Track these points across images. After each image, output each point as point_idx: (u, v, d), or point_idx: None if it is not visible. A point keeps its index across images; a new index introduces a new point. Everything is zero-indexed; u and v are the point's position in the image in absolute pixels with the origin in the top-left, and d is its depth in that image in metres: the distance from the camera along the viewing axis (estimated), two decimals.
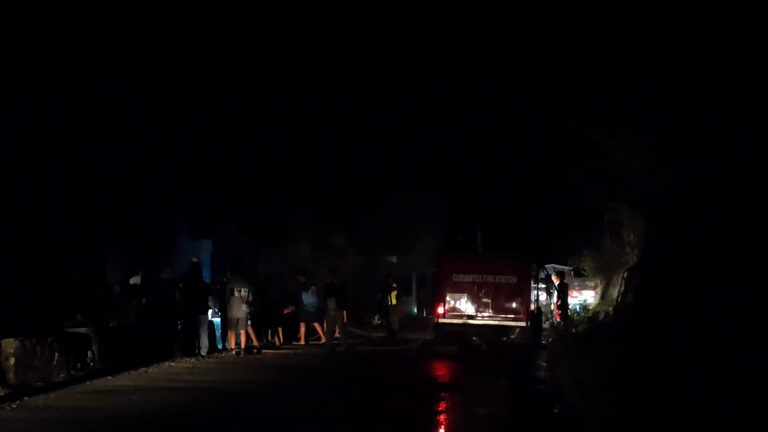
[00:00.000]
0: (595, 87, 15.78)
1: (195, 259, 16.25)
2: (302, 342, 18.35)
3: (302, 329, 18.50)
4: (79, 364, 12.09)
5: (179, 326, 14.83)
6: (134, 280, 14.89)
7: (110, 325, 13.98)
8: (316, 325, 18.57)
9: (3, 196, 14.44)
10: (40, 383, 10.74)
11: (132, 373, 12.47)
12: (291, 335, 18.49)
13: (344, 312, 17.27)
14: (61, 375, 11.43)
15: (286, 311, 18.24)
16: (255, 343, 16.05)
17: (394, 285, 21.70)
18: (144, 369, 12.89)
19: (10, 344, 10.79)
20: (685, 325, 9.33)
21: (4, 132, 13.76)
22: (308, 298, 18.33)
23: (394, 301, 21.41)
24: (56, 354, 11.54)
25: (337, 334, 17.43)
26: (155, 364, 13.41)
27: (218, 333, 16.47)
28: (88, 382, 11.23)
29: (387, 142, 25.54)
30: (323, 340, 17.97)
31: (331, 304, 17.15)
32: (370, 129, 25.62)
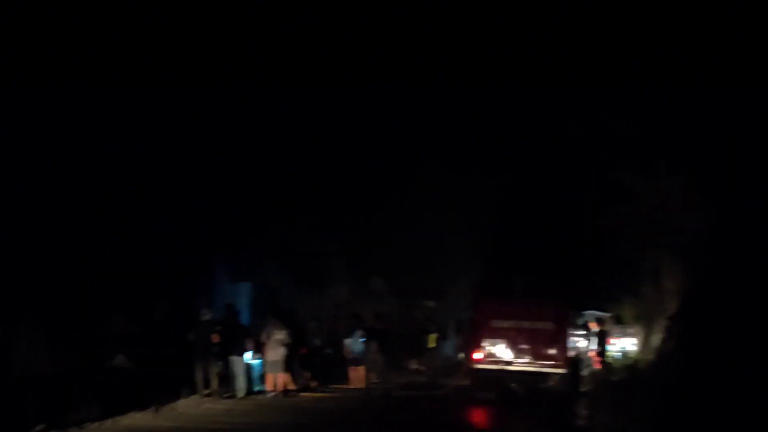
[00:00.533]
0: (632, 132, 15.84)
1: (230, 303, 16.53)
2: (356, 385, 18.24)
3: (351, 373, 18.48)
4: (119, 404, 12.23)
5: (217, 368, 14.94)
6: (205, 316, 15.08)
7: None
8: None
9: (52, 232, 14.80)
10: (82, 422, 10.90)
11: (171, 413, 12.60)
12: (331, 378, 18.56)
13: (384, 357, 17.25)
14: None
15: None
16: (291, 386, 16.07)
17: (433, 327, 21.49)
18: (183, 410, 13.02)
19: None
20: (727, 376, 9.23)
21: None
22: (356, 343, 18.38)
23: (432, 344, 21.07)
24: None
25: (375, 379, 17.38)
26: (194, 406, 13.54)
27: (255, 374, 16.56)
28: (128, 422, 11.37)
29: (425, 186, 25.65)
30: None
31: (373, 347, 17.16)
32: (408, 173, 25.81)
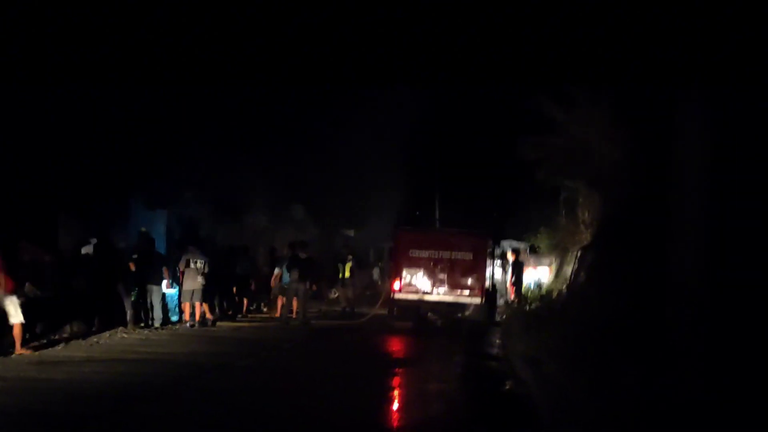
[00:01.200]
0: (552, 61, 15.82)
1: (143, 229, 16.14)
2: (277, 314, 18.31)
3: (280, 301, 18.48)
4: (27, 335, 11.88)
5: (132, 296, 14.66)
6: (86, 249, 14.64)
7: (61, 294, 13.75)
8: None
9: None
10: None
11: (83, 343, 12.34)
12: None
13: (306, 285, 17.18)
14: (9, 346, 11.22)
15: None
16: (208, 315, 15.93)
17: (349, 257, 21.39)
18: (95, 340, 12.76)
19: None
20: (632, 303, 9.51)
21: None
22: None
23: (347, 274, 21.04)
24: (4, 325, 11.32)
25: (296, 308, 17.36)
26: (107, 336, 13.29)
27: (172, 305, 16.34)
28: (37, 353, 11.08)
29: (345, 114, 25.36)
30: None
31: (294, 275, 17.12)
32: (328, 99, 25.43)
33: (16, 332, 11.07)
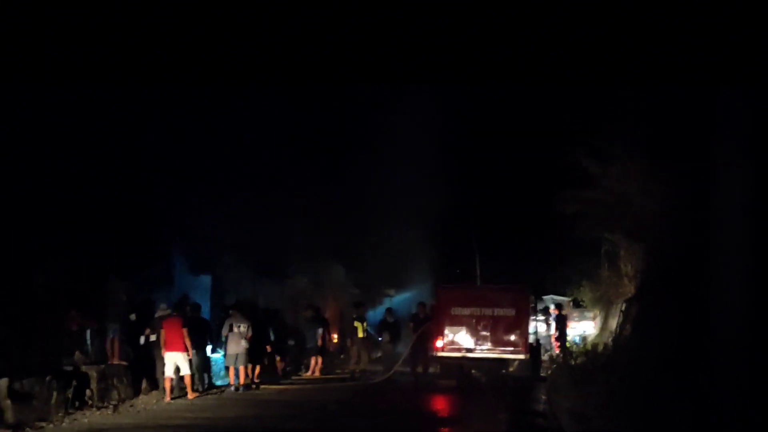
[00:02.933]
0: (587, 117, 15.96)
1: (185, 295, 16.48)
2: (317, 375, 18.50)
3: (313, 362, 18.96)
4: (77, 403, 12.06)
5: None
6: (132, 317, 14.89)
7: (109, 362, 13.95)
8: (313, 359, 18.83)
9: (2, 226, 14.47)
10: (38, 422, 10.72)
11: (130, 410, 12.47)
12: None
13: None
14: (60, 414, 11.40)
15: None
16: (245, 380, 15.93)
17: (354, 315, 20.37)
18: (143, 406, 12.88)
19: (7, 383, 10.79)
20: (678, 356, 9.38)
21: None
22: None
23: (360, 334, 19.80)
24: (55, 392, 11.52)
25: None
26: (154, 401, 13.40)
27: (216, 369, 16.45)
28: (86, 421, 11.22)
29: (384, 174, 25.66)
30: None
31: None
32: (368, 159, 25.78)
33: (187, 381, 14.08)
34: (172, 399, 13.72)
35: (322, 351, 19.30)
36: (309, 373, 18.91)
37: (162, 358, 14.32)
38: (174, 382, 14.33)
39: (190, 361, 14.05)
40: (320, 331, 18.87)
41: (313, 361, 18.93)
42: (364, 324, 19.76)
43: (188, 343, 14.13)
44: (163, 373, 14.34)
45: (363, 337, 19.68)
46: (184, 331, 14.17)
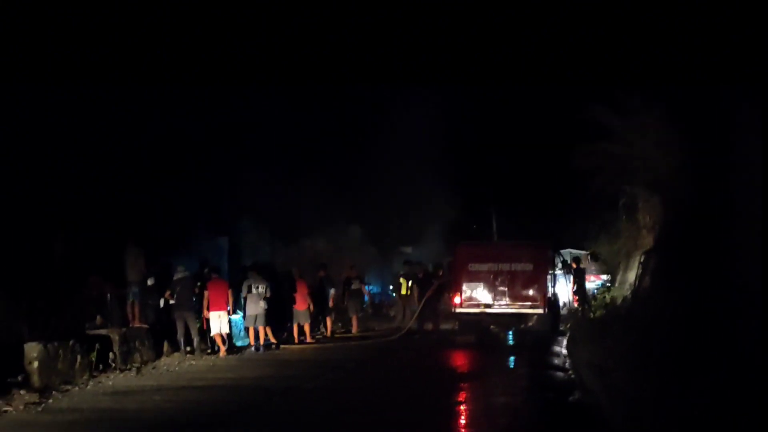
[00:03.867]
0: (607, 67, 15.71)
1: (204, 258, 16.63)
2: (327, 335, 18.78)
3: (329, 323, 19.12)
4: (101, 366, 12.23)
5: (198, 323, 14.92)
6: (151, 281, 15.00)
7: (130, 325, 14.11)
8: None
9: (24, 200, 14.59)
10: (63, 386, 10.89)
11: (153, 372, 12.62)
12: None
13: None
14: (84, 377, 11.56)
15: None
16: (272, 339, 16.11)
17: (401, 273, 20.58)
18: (165, 368, 13.03)
19: (33, 348, 10.97)
20: (701, 309, 9.33)
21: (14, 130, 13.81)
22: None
23: (404, 291, 20.15)
24: (78, 356, 11.68)
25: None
26: (176, 363, 13.56)
27: (237, 330, 16.59)
28: (110, 383, 11.37)
29: (399, 132, 25.50)
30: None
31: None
32: (384, 118, 25.63)
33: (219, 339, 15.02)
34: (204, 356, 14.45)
35: (331, 311, 19.48)
36: (327, 332, 19.03)
37: (181, 319, 14.50)
38: (197, 343, 14.52)
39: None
40: (332, 291, 19.01)
41: (328, 321, 19.09)
42: (410, 282, 19.77)
43: (231, 304, 15.18)
44: (183, 335, 14.53)
45: (406, 295, 19.76)
46: (229, 291, 15.14)
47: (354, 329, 19.56)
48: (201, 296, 15.05)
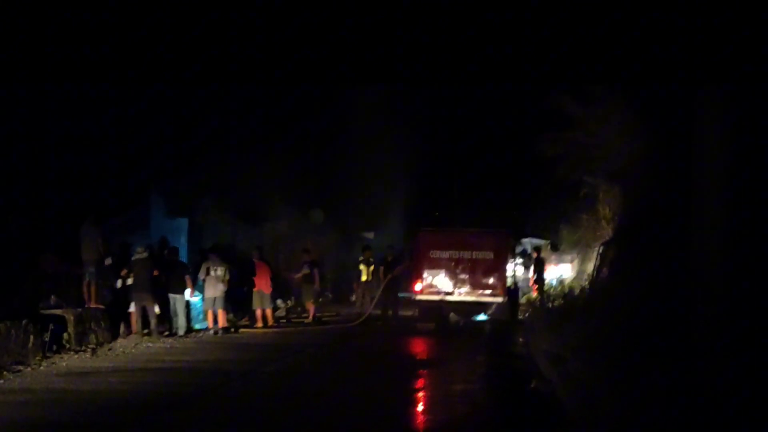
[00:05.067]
0: (568, 57, 15.77)
1: (164, 237, 16.45)
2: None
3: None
4: (55, 346, 12.02)
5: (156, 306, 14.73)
6: (108, 260, 14.76)
7: (86, 305, 13.87)
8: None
9: None
10: (15, 366, 10.67)
11: (109, 353, 12.45)
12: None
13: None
14: (37, 357, 11.35)
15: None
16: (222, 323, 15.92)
17: (360, 258, 20.12)
18: (121, 349, 12.86)
19: None
20: (657, 299, 9.44)
21: None
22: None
23: (364, 277, 19.75)
24: (31, 336, 11.45)
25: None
26: (132, 345, 13.38)
27: (195, 313, 16.43)
28: (64, 364, 11.18)
29: (362, 116, 25.40)
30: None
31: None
32: (346, 102, 25.47)
33: (268, 314, 17.33)
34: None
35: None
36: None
37: (140, 301, 14.33)
38: (154, 325, 14.36)
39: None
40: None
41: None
42: (371, 267, 19.54)
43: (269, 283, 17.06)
44: (140, 317, 14.36)
45: (367, 280, 19.55)
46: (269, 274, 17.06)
47: (309, 317, 19.02)
48: (159, 278, 14.82)
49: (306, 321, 18.79)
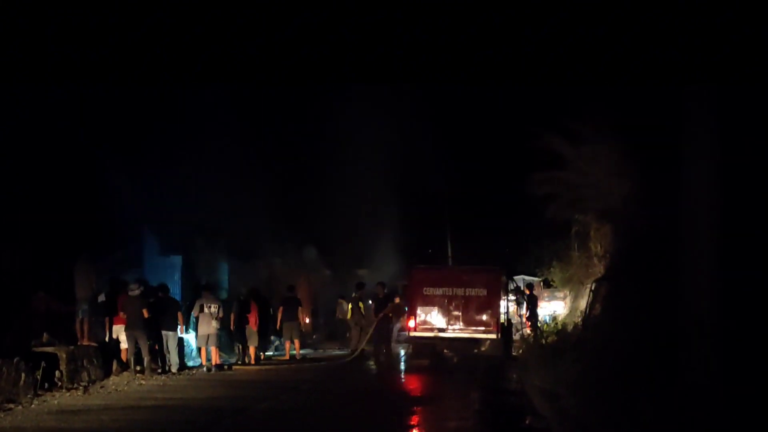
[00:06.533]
0: (559, 95, 16.03)
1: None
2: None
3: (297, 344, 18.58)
4: (47, 384, 11.95)
5: (149, 344, 14.70)
6: (102, 297, 14.76)
7: (79, 343, 13.83)
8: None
9: None
10: (6, 404, 10.61)
11: (101, 391, 12.38)
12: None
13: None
14: (29, 395, 11.28)
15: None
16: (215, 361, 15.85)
17: (354, 295, 20.07)
18: (113, 387, 12.79)
19: None
20: (650, 336, 9.49)
21: None
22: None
23: (349, 315, 19.90)
24: (23, 374, 11.39)
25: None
26: (125, 382, 13.32)
27: (189, 350, 16.39)
28: (56, 402, 11.11)
29: (356, 155, 25.61)
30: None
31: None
32: (342, 140, 25.69)
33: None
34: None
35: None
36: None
37: (133, 338, 14.28)
38: (147, 363, 14.31)
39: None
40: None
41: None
42: (359, 303, 19.45)
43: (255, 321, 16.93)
44: (133, 354, 14.31)
45: (360, 317, 19.34)
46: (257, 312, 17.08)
47: (286, 355, 18.53)
48: (153, 316, 14.78)
49: (283, 359, 18.55)
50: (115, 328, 14.70)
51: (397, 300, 18.89)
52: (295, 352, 18.40)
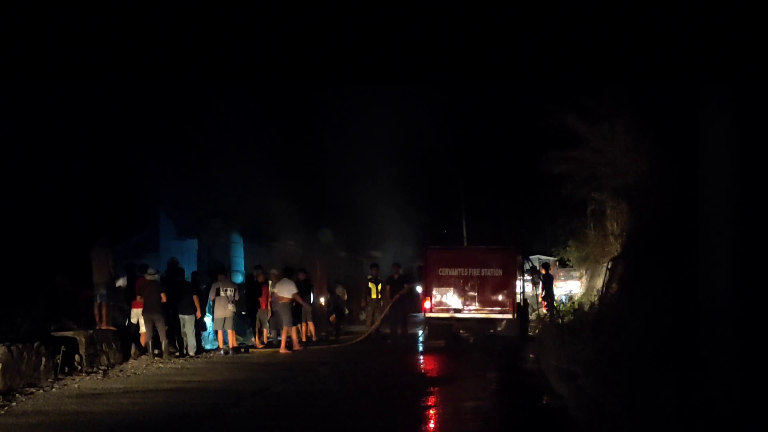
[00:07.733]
0: (575, 73, 15.85)
1: (173, 259, 16.44)
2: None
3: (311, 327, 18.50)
4: (67, 368, 12.08)
5: (167, 327, 14.80)
6: (120, 282, 14.86)
7: (98, 327, 13.95)
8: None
9: None
10: (27, 388, 10.74)
11: (120, 374, 12.50)
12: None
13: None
14: (49, 379, 11.41)
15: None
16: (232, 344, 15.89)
17: (369, 276, 20.06)
18: (132, 371, 12.91)
19: None
20: (667, 314, 9.45)
21: None
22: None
23: (374, 295, 19.55)
24: (43, 358, 11.53)
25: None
26: (144, 366, 13.44)
27: (206, 333, 16.48)
28: (76, 386, 11.24)
29: (371, 137, 25.55)
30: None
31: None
32: (355, 122, 25.63)
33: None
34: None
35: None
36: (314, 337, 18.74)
37: (151, 322, 14.37)
38: (165, 346, 14.41)
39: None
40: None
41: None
42: (379, 285, 19.36)
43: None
44: (151, 338, 14.42)
45: (377, 299, 19.36)
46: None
47: (282, 345, 16.92)
48: (170, 299, 14.87)
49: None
50: (133, 312, 14.80)
51: (407, 287, 18.81)
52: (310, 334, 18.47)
